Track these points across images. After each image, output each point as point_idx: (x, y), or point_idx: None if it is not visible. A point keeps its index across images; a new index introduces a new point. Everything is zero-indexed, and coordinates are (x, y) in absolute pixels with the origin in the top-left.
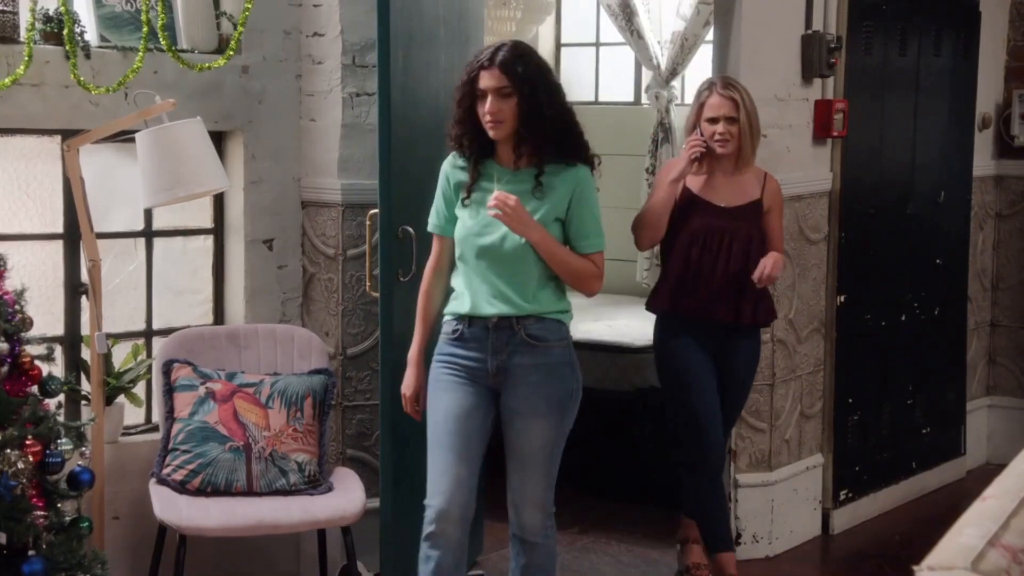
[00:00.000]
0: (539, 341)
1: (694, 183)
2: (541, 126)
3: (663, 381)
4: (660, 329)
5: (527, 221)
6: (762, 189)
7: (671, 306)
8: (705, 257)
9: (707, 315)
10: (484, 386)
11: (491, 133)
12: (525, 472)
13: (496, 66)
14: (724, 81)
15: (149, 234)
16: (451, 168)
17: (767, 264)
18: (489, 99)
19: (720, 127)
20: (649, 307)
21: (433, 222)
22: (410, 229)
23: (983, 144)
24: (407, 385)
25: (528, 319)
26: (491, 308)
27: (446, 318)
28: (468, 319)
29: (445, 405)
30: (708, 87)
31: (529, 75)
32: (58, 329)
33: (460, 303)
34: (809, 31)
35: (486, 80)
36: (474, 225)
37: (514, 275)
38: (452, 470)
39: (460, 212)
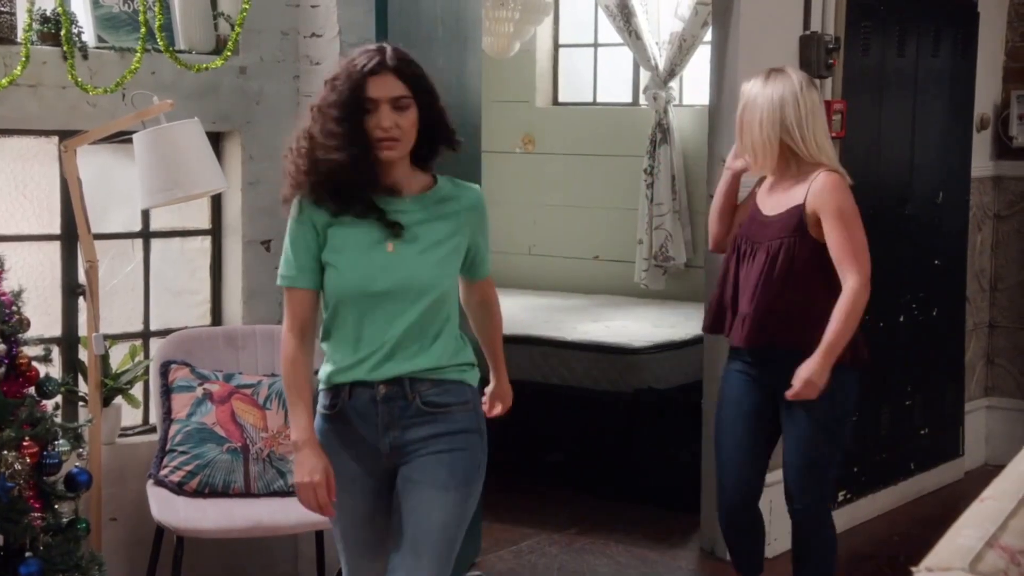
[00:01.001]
0: (439, 408)
1: (762, 189)
2: (438, 138)
3: None
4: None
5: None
6: (807, 192)
7: (709, 326)
8: (732, 269)
9: (741, 339)
10: (380, 469)
11: (384, 155)
12: (419, 559)
13: (390, 71)
14: (773, 67)
15: (147, 235)
16: (313, 208)
17: (797, 381)
18: (383, 111)
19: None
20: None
21: (289, 273)
22: None
23: (981, 145)
24: (312, 470)
25: (424, 383)
26: (379, 371)
27: (320, 388)
28: (348, 388)
29: (348, 506)
30: None
31: (425, 80)
32: (55, 330)
33: (336, 370)
34: (807, 32)
35: (378, 88)
36: (359, 270)
37: (410, 324)
38: (374, 571)
39: (332, 258)
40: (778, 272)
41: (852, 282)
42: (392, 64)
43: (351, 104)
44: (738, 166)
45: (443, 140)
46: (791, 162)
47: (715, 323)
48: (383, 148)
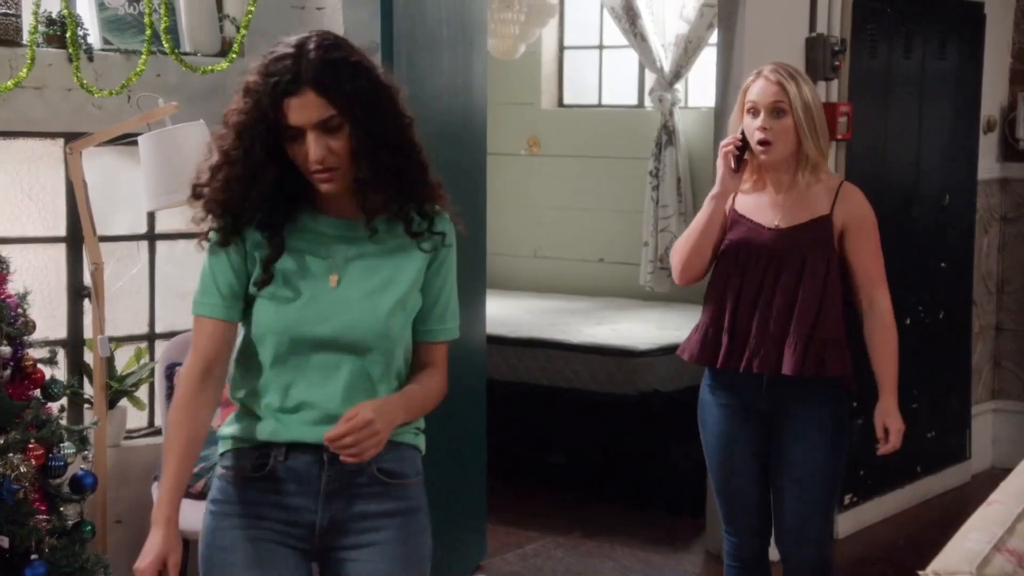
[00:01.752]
0: (395, 478)
1: (745, 203)
2: (386, 160)
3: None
4: (704, 381)
5: (389, 424)
6: (833, 203)
7: (700, 354)
8: (746, 289)
9: (743, 364)
10: (302, 550)
11: (323, 188)
12: None
13: (310, 86)
14: (777, 65)
15: (152, 237)
16: (248, 230)
17: (886, 428)
18: (310, 139)
19: (761, 120)
20: (681, 353)
21: (206, 300)
22: None
23: (988, 147)
24: (144, 554)
25: None
26: (324, 430)
27: (234, 446)
28: (285, 448)
29: None
30: (756, 72)
31: (359, 88)
32: (61, 332)
33: (268, 424)
34: (813, 34)
35: (299, 113)
36: (299, 308)
37: (360, 377)
38: None
39: (263, 291)
40: (819, 289)
41: (886, 303)
42: (310, 77)
43: (268, 134)
44: (732, 186)
45: (390, 161)
46: (800, 171)
47: (701, 349)
48: (319, 182)
